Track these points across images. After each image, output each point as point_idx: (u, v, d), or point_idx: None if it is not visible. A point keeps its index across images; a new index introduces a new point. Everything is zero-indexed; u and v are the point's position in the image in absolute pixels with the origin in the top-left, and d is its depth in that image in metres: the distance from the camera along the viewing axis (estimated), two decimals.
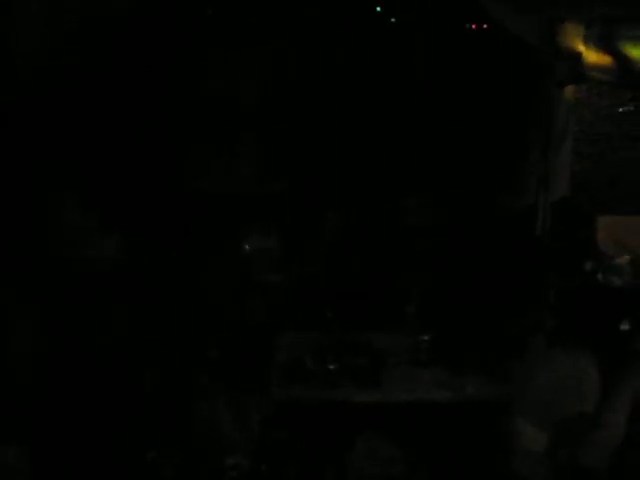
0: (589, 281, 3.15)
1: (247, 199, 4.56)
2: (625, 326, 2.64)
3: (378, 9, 4.89)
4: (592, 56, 3.74)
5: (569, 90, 4.40)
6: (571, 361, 2.59)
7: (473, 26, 4.92)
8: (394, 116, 4.75)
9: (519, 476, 2.59)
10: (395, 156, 4.75)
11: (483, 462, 2.99)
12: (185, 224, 4.42)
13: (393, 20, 4.81)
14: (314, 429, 3.26)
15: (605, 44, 3.58)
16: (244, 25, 4.65)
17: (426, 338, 3.52)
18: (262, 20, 4.62)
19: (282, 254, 4.37)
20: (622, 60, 3.50)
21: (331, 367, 3.48)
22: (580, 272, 3.48)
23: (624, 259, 3.61)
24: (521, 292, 3.55)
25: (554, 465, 2.51)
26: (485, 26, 4.87)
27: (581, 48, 3.79)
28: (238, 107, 4.78)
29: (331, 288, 4.14)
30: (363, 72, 4.73)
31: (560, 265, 3.62)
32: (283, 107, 4.76)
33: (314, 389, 3.37)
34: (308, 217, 4.60)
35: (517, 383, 2.76)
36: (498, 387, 3.21)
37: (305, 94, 4.75)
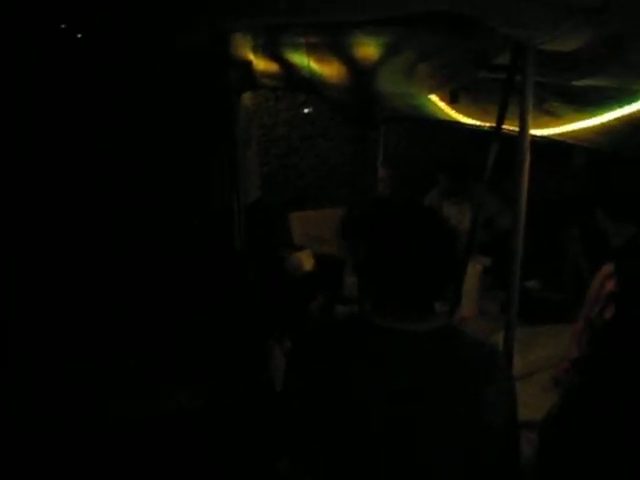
0: (276, 274, 3.31)
1: None
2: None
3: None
4: (261, 64, 3.91)
5: (246, 97, 4.60)
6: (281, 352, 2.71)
7: None
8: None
9: None
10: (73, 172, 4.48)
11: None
12: None
13: None
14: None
15: (270, 52, 3.76)
16: None
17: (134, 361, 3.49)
18: None
19: None
20: (286, 66, 3.72)
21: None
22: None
23: (305, 252, 3.86)
24: (226, 295, 3.63)
25: None
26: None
27: (251, 57, 3.95)
28: None
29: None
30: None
31: (258, 263, 3.77)
32: None
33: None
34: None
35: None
36: (211, 393, 3.27)
37: None
